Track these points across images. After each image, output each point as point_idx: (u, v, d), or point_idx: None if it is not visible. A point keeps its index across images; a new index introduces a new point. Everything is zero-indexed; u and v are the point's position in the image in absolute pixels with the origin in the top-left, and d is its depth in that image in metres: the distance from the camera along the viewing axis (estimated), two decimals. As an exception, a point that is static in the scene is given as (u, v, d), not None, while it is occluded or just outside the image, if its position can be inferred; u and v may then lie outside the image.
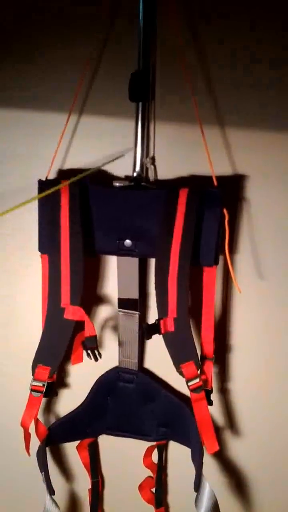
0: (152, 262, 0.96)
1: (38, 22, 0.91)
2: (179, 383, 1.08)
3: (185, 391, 1.05)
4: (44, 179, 0.92)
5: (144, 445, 1.11)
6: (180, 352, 0.89)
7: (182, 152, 0.94)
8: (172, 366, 0.90)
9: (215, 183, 0.88)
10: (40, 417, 1.09)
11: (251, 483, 1.16)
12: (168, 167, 0.95)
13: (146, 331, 0.89)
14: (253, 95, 0.90)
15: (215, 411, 1.10)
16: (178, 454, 1.11)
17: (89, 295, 1.03)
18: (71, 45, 0.91)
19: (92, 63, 0.91)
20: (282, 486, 1.15)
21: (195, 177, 0.94)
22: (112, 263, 1.01)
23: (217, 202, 0.85)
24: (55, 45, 0.91)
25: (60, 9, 0.90)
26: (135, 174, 0.93)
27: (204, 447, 0.92)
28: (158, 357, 1.06)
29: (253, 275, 0.99)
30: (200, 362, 0.93)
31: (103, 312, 1.06)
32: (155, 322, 0.89)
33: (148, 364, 1.08)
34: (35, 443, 0.98)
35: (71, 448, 1.15)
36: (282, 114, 0.90)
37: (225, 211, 0.85)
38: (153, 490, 1.16)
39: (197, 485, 0.88)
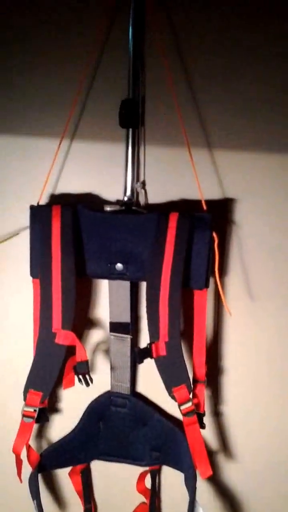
0: (144, 285, 0.96)
1: (31, 47, 0.93)
2: (171, 407, 1.07)
3: (178, 415, 1.05)
4: (36, 203, 0.93)
5: (137, 470, 1.10)
6: (172, 376, 0.89)
7: (172, 176, 0.96)
8: (164, 390, 0.90)
9: (204, 207, 0.89)
10: (31, 443, 1.07)
11: (245, 507, 1.14)
12: (158, 191, 0.96)
13: (138, 355, 0.89)
14: (241, 118, 0.92)
15: (208, 434, 1.09)
16: (172, 479, 1.10)
17: (81, 319, 1.03)
18: (62, 71, 0.93)
19: (84, 90, 0.93)
20: (276, 510, 1.14)
21: (185, 201, 0.95)
22: (103, 286, 1.02)
23: (207, 226, 0.86)
24: (48, 70, 0.93)
25: (53, 35, 0.92)
26: (125, 199, 0.94)
27: (197, 472, 0.91)
28: (150, 381, 1.06)
29: (244, 297, 1.00)
30: (192, 386, 0.92)
31: (95, 336, 1.05)
32: (147, 346, 0.89)
33: (140, 388, 1.08)
34: (26, 468, 0.97)
35: (63, 474, 1.14)
36: (270, 137, 0.92)
37: (214, 234, 0.86)
38: (147, 516, 1.14)
39: (191, 511, 0.87)
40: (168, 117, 0.92)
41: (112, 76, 0.92)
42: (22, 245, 0.97)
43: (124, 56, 0.89)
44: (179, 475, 1.00)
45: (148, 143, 0.95)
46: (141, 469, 1.10)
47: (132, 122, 0.90)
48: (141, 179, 0.96)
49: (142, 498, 1.14)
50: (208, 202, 0.90)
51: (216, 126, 0.92)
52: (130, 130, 0.91)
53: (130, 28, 0.87)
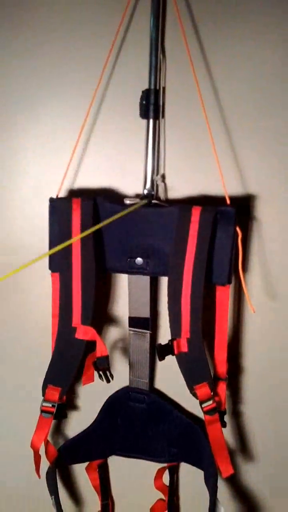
0: (164, 280, 0.95)
1: (48, 39, 0.91)
2: (189, 404, 1.05)
3: (196, 411, 1.04)
4: (55, 196, 0.91)
5: (155, 466, 1.09)
6: (194, 373, 0.88)
7: (193, 170, 0.94)
8: (183, 386, 0.88)
9: (228, 201, 0.87)
10: (49, 439, 1.07)
11: (263, 508, 1.13)
12: (178, 185, 0.94)
13: (159, 352, 0.88)
14: (266, 114, 0.89)
15: (227, 434, 1.07)
16: (190, 476, 1.09)
17: (100, 314, 1.02)
18: (82, 61, 0.91)
19: (104, 80, 0.91)
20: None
21: (206, 196, 0.93)
22: (123, 281, 1.00)
23: (231, 221, 0.84)
24: (67, 61, 0.92)
25: (73, 25, 0.90)
26: (145, 192, 0.92)
27: (218, 471, 0.90)
28: (168, 377, 1.04)
29: (265, 294, 0.98)
30: (213, 383, 0.91)
31: (113, 331, 1.04)
32: (168, 343, 0.88)
33: (159, 384, 1.06)
34: (44, 464, 0.97)
35: (80, 471, 1.13)
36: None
37: (238, 229, 0.84)
38: (166, 513, 1.14)
39: (212, 510, 0.86)
40: (190, 108, 0.90)
41: (132, 66, 0.90)
42: (41, 237, 0.96)
43: (145, 46, 0.87)
44: (198, 472, 0.98)
45: (168, 135, 0.92)
46: (159, 466, 1.09)
47: (153, 112, 0.88)
48: (161, 172, 0.94)
49: (160, 495, 1.13)
50: (230, 197, 0.88)
51: (240, 119, 0.90)
52: (151, 121, 0.89)
53: (151, 17, 0.85)
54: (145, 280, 0.94)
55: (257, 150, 0.91)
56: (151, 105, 0.88)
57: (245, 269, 0.96)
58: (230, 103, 0.89)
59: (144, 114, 0.89)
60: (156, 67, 0.87)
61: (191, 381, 0.88)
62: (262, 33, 0.86)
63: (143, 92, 0.88)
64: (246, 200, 0.93)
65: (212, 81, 0.89)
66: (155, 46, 0.86)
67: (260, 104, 0.89)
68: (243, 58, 0.87)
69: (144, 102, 0.89)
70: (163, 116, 0.91)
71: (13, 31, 0.92)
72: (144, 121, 0.90)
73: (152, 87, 0.88)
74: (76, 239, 0.85)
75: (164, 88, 0.90)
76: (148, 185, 0.92)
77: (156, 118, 0.89)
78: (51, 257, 0.92)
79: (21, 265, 1.00)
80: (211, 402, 0.88)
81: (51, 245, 0.91)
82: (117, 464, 1.12)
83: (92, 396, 1.05)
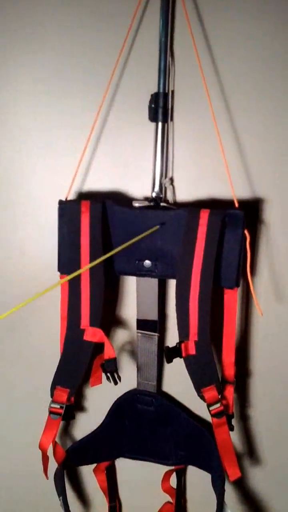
0: (172, 283, 0.95)
1: (58, 41, 0.92)
2: (197, 407, 1.05)
3: (204, 415, 1.04)
4: (64, 199, 0.92)
5: (162, 469, 1.09)
6: (202, 376, 0.88)
7: (201, 173, 0.94)
8: (190, 389, 0.88)
9: (236, 204, 0.87)
10: (57, 440, 1.07)
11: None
12: (187, 188, 0.95)
13: (167, 354, 0.88)
14: (276, 118, 0.89)
15: (235, 437, 1.07)
16: (197, 479, 1.09)
17: (108, 317, 1.02)
18: (91, 64, 0.92)
19: (113, 83, 0.91)
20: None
21: (214, 199, 0.93)
22: (131, 284, 1.00)
23: (240, 224, 0.84)
24: (76, 64, 0.92)
25: (82, 28, 0.90)
26: (154, 195, 0.92)
27: (225, 474, 0.90)
28: (176, 380, 1.04)
29: (272, 298, 0.98)
30: (221, 386, 0.91)
31: (121, 333, 1.05)
32: (176, 346, 0.88)
33: (166, 387, 1.06)
34: (51, 465, 0.97)
35: (88, 472, 1.13)
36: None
37: (247, 232, 0.84)
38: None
39: (219, 513, 0.86)
40: (198, 111, 0.90)
41: (141, 70, 0.91)
42: (50, 239, 0.96)
43: (154, 49, 0.87)
44: (205, 475, 0.98)
45: (177, 138, 0.93)
46: (166, 468, 1.09)
47: (162, 115, 0.89)
48: (170, 175, 0.94)
49: (167, 498, 1.13)
50: (238, 201, 0.88)
51: (249, 123, 0.90)
52: (159, 124, 0.90)
53: (160, 20, 0.85)
54: (153, 282, 0.94)
55: (266, 153, 0.91)
56: (160, 109, 0.88)
57: (253, 272, 0.96)
58: (239, 106, 0.89)
59: (153, 117, 0.90)
60: (165, 71, 0.88)
61: (199, 384, 0.88)
62: (276, 36, 0.86)
63: (152, 95, 0.89)
64: (254, 203, 0.93)
65: (221, 85, 0.89)
66: (164, 49, 0.87)
67: (270, 109, 0.89)
68: (254, 62, 0.87)
69: (153, 105, 0.89)
70: (171, 120, 0.92)
71: (21, 32, 0.92)
72: (153, 124, 0.90)
73: (161, 90, 0.88)
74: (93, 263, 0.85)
75: (173, 92, 0.90)
76: (157, 188, 0.92)
77: (164, 121, 0.90)
78: (60, 259, 0.92)
79: (29, 267, 1.02)
80: (218, 405, 0.88)
81: (60, 248, 0.92)
82: (124, 466, 1.13)
83: (100, 398, 1.06)
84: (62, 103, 0.94)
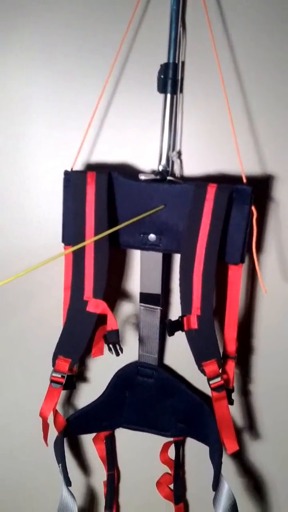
0: (176, 257, 0.95)
1: (66, 11, 0.89)
2: (198, 381, 1.06)
3: (204, 389, 1.05)
4: (69, 169, 0.91)
5: (161, 440, 1.11)
6: (203, 350, 0.89)
7: (210, 147, 0.92)
8: (191, 363, 0.89)
9: (245, 180, 0.86)
10: (58, 409, 1.09)
11: (269, 486, 1.14)
12: (194, 163, 0.93)
13: (169, 328, 0.89)
14: (286, 93, 0.87)
15: (235, 412, 1.08)
16: (196, 451, 1.10)
17: (111, 289, 1.02)
18: (100, 34, 0.89)
19: (122, 53, 0.89)
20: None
21: (222, 174, 0.92)
22: (135, 257, 1.00)
23: (247, 200, 0.83)
24: (85, 34, 0.90)
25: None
26: (160, 168, 0.91)
27: (223, 447, 0.91)
28: (177, 354, 1.05)
29: (278, 276, 0.97)
30: (222, 361, 0.92)
31: (125, 306, 1.05)
32: (178, 319, 0.88)
33: (168, 360, 1.07)
34: (52, 434, 0.99)
35: (87, 441, 1.15)
36: None
37: (254, 209, 0.84)
38: (171, 486, 1.16)
39: (216, 485, 0.87)
40: (209, 84, 0.88)
41: (152, 39, 0.88)
42: (55, 210, 0.96)
43: (165, 19, 0.85)
44: (204, 447, 1.00)
45: (186, 110, 0.91)
46: (164, 440, 1.11)
47: (171, 86, 0.87)
48: (177, 148, 0.93)
49: (166, 469, 1.15)
50: (247, 177, 0.86)
51: (262, 97, 0.88)
52: (168, 96, 0.88)
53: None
54: (158, 256, 0.94)
55: (278, 129, 0.89)
56: (169, 80, 0.87)
57: (260, 249, 0.96)
58: (251, 80, 0.87)
59: (162, 88, 0.88)
60: (176, 41, 0.85)
61: (200, 358, 0.89)
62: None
63: (161, 66, 0.87)
64: (264, 180, 0.92)
65: (233, 57, 0.87)
66: (175, 19, 0.84)
67: (284, 82, 0.87)
68: (269, 33, 0.85)
69: (162, 76, 0.87)
70: (181, 91, 0.90)
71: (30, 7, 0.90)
72: (162, 96, 0.89)
73: (171, 61, 0.86)
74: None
75: (183, 63, 0.88)
76: (164, 161, 0.91)
77: (174, 93, 0.88)
78: (64, 230, 0.92)
79: (34, 237, 1.02)
80: (219, 379, 0.89)
81: (65, 219, 0.91)
82: (124, 436, 1.14)
83: (102, 369, 1.07)
84: (70, 73, 0.92)
